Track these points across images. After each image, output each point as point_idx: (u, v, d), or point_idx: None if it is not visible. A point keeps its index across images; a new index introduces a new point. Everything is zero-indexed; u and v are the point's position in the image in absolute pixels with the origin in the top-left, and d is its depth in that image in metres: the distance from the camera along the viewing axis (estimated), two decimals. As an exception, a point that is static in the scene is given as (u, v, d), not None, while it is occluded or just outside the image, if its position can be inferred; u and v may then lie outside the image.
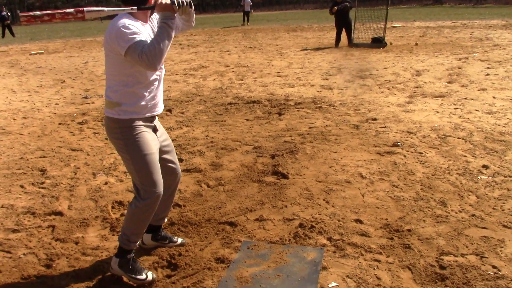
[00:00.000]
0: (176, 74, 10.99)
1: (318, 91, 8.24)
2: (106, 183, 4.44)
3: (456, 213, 3.53)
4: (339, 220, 3.47)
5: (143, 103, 2.73)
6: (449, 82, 8.60)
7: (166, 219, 3.35)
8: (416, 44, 15.45)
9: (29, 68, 13.39)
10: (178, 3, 2.60)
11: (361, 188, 4.03)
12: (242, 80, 9.86)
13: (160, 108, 2.90)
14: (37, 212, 3.84)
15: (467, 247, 3.06)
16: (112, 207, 3.90)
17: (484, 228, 3.30)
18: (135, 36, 2.48)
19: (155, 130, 2.91)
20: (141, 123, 2.76)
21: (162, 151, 2.99)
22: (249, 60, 12.96)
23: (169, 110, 7.22)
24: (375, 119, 6.16)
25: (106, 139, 5.84)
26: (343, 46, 15.58)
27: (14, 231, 3.54)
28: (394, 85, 8.54)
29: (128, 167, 2.84)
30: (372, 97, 7.61)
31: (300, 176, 4.36)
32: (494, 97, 7.25)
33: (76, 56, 15.65)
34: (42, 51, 18.25)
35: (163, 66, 2.85)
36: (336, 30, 15.91)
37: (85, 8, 2.57)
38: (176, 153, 5.07)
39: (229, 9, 77.65)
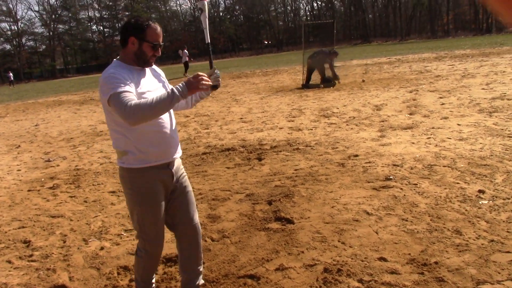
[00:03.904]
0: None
1: (288, 133, 8.27)
2: (102, 248, 4.15)
3: (474, 240, 3.54)
4: (362, 261, 3.39)
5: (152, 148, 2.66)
6: (410, 114, 8.89)
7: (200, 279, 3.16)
8: (363, 81, 16.00)
9: (-25, 136, 12.71)
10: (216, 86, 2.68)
11: (371, 225, 3.98)
12: (207, 129, 9.75)
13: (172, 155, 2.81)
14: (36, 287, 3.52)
15: (499, 273, 3.05)
16: (118, 273, 3.64)
17: (508, 252, 3.31)
18: (118, 84, 2.40)
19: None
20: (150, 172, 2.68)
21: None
22: (206, 109, 12.90)
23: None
24: (356, 156, 6.21)
25: (85, 201, 5.54)
26: (294, 89, 15.87)
27: (17, 312, 3.22)
28: (360, 121, 8.72)
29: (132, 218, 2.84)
30: (344, 134, 7.71)
31: (305, 219, 4.26)
32: (458, 124, 7.54)
33: (23, 120, 15.03)
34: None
35: None
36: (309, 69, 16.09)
37: None
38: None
39: (166, 62, 77.73)
